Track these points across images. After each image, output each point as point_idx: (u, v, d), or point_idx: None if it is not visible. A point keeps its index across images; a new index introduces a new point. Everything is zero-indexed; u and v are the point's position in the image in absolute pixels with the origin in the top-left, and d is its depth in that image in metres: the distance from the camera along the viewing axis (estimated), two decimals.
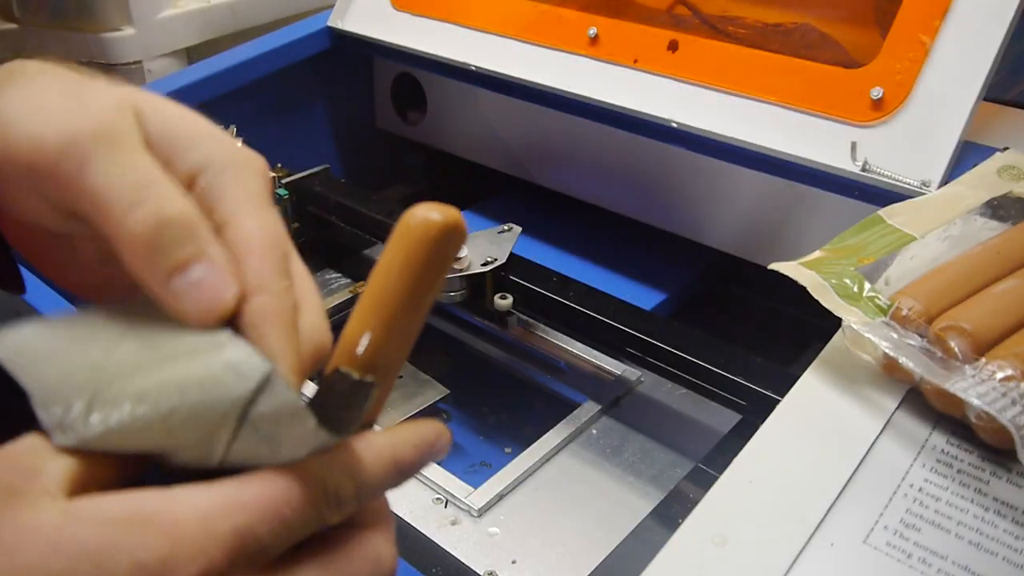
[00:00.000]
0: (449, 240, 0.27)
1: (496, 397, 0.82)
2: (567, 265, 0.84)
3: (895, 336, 0.45)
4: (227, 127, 0.84)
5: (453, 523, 0.57)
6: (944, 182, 0.60)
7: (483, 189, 1.01)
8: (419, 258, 0.27)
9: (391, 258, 0.28)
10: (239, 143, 0.31)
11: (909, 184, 0.61)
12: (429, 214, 0.27)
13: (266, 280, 0.27)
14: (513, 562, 0.55)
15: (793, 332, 0.78)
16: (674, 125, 0.71)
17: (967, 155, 0.62)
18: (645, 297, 0.82)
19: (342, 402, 0.28)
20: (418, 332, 0.29)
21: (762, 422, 0.45)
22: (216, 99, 0.88)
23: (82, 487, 0.24)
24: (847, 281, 0.49)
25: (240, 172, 0.28)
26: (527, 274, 0.72)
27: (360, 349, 0.28)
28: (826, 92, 0.66)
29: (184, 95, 0.85)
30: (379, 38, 0.91)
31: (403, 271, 0.27)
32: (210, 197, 0.28)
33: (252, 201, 0.28)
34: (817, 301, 0.48)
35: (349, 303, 0.84)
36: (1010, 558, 0.38)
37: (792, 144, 0.66)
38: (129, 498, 0.24)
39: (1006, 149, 0.63)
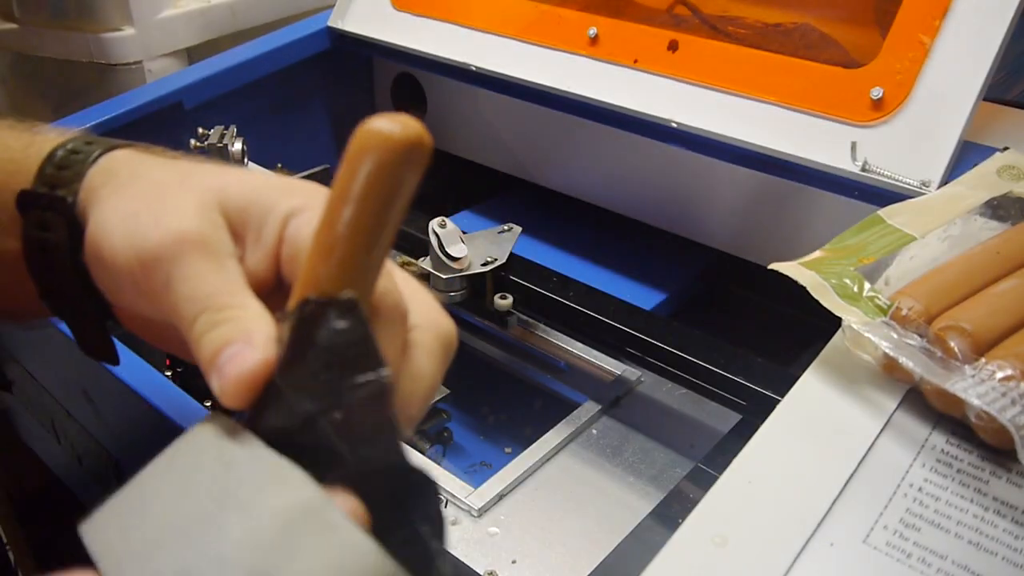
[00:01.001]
0: (413, 157, 0.24)
1: (496, 397, 0.82)
2: (567, 265, 0.84)
3: (895, 336, 0.45)
4: (227, 127, 0.84)
5: (453, 523, 0.57)
6: (944, 182, 0.60)
7: (483, 189, 1.01)
8: (381, 183, 0.24)
9: (346, 185, 0.24)
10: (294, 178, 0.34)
11: (909, 184, 0.61)
12: (389, 129, 0.23)
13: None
14: (513, 562, 0.55)
15: (793, 332, 0.78)
16: (674, 125, 0.71)
17: (967, 155, 0.62)
18: (645, 297, 0.82)
19: (339, 343, 0.24)
20: (382, 266, 0.26)
21: (762, 422, 0.45)
22: (216, 99, 0.88)
23: None
24: (847, 281, 0.49)
25: (317, 210, 0.31)
26: (527, 274, 0.72)
27: (326, 282, 0.24)
28: (826, 92, 0.66)
29: (184, 95, 0.85)
30: (379, 38, 0.91)
31: (363, 201, 0.24)
32: (303, 237, 0.31)
33: None
34: (817, 301, 0.48)
35: None
36: (1010, 558, 0.38)
37: (792, 144, 0.66)
38: None
39: (1006, 149, 0.63)
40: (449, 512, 0.58)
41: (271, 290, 0.32)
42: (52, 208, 0.34)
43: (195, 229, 0.30)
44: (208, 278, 0.29)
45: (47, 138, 0.37)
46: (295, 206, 0.31)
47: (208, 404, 0.65)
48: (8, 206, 0.35)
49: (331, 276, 0.25)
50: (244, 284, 0.30)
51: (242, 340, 0.27)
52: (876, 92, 0.63)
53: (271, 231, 0.31)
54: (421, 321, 0.31)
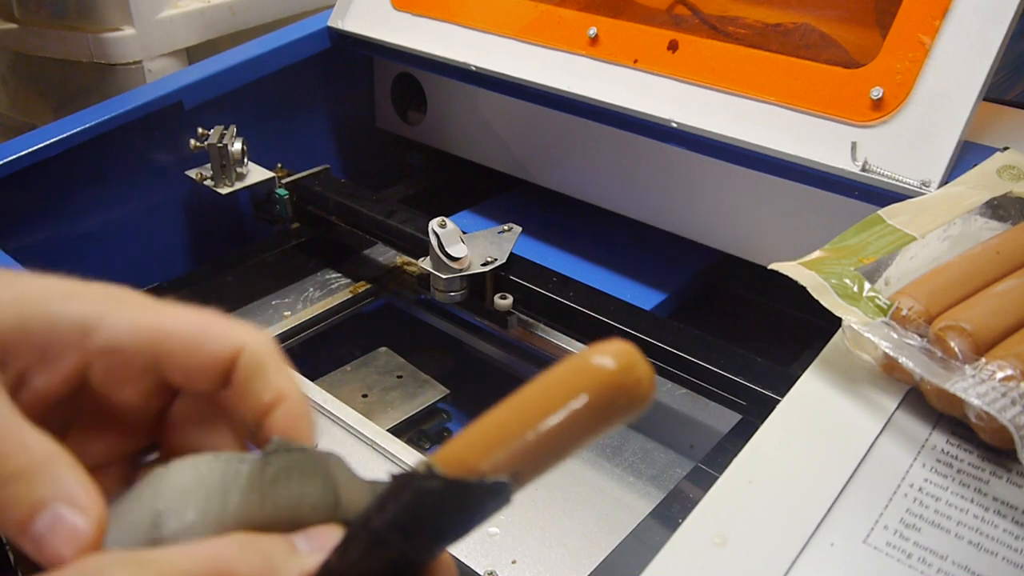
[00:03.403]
0: (631, 407, 0.22)
1: (496, 397, 0.82)
2: (567, 265, 0.84)
3: (895, 336, 0.45)
4: (227, 127, 0.84)
5: None
6: (944, 182, 0.60)
7: (483, 189, 1.01)
8: (582, 423, 0.23)
9: (546, 406, 0.23)
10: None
11: (909, 184, 0.61)
12: (621, 376, 0.22)
13: None
14: (513, 562, 0.55)
15: (793, 332, 0.78)
16: (674, 125, 0.71)
17: (967, 155, 0.62)
18: (645, 297, 0.82)
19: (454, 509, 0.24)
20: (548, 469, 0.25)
21: (762, 422, 0.45)
22: (216, 99, 0.88)
23: None
24: (847, 281, 0.49)
25: (127, 317, 0.28)
26: (527, 274, 0.72)
27: (484, 465, 0.24)
28: (826, 92, 0.66)
29: (184, 95, 0.85)
30: (379, 38, 0.91)
31: (556, 433, 0.23)
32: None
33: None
34: (817, 301, 0.48)
35: (349, 303, 0.84)
36: (1010, 558, 0.38)
37: (792, 144, 0.66)
38: None
39: (1006, 149, 0.63)
40: None
41: (58, 403, 0.28)
42: None
43: None
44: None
45: None
46: (86, 312, 0.27)
47: None
48: None
49: (491, 460, 0.24)
50: (15, 417, 0.25)
51: (61, 500, 0.24)
52: (876, 92, 0.63)
53: (64, 344, 0.27)
54: None
